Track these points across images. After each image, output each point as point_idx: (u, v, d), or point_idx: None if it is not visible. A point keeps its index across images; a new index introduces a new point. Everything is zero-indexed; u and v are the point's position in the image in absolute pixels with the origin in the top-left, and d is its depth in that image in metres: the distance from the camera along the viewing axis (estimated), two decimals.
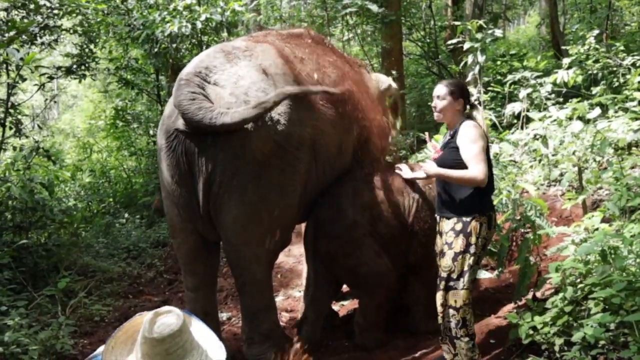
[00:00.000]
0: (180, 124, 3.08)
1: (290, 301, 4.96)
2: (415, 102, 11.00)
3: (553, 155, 4.75)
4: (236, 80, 3.19)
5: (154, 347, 1.60)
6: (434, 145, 3.18)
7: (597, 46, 6.75)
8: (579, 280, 3.04)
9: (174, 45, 7.00)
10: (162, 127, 3.28)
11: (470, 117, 3.02)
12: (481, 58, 6.13)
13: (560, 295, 2.94)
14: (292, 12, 9.83)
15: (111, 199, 9.32)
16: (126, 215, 8.23)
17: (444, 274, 2.96)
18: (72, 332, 3.98)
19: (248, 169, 3.11)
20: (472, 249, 2.91)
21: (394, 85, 4.49)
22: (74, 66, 6.88)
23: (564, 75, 5.82)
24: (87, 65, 6.97)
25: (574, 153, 4.33)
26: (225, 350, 1.93)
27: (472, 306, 2.98)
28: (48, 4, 5.85)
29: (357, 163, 3.89)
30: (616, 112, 5.01)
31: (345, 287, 4.42)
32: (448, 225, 2.97)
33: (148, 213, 8.30)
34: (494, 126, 5.60)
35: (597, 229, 3.21)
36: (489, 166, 2.94)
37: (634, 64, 6.19)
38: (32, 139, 6.57)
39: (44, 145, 6.49)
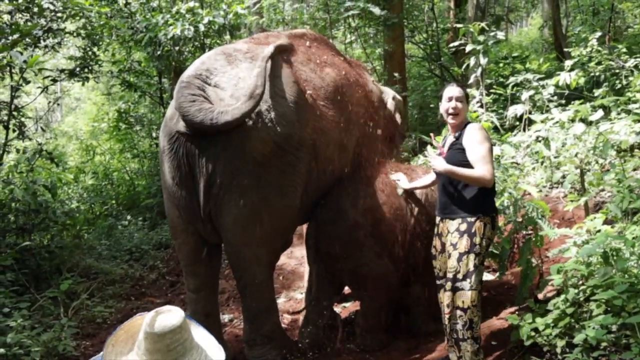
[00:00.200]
0: (181, 126, 3.10)
1: (292, 303, 4.96)
2: (417, 104, 10.98)
3: (555, 157, 4.74)
4: (236, 82, 3.20)
5: (155, 343, 1.62)
6: (439, 146, 3.18)
7: (599, 48, 6.75)
8: (580, 282, 3.03)
9: (177, 48, 7.04)
10: (164, 130, 3.30)
11: None
12: (483, 60, 6.13)
13: (562, 297, 2.93)
14: (294, 15, 9.85)
15: (114, 201, 9.34)
16: (129, 217, 8.26)
17: (449, 275, 2.96)
18: (74, 334, 4.00)
19: (248, 170, 3.12)
20: (477, 249, 2.91)
21: (398, 97, 4.48)
22: (77, 69, 6.92)
23: (566, 77, 5.82)
24: (90, 67, 7.01)
25: (576, 155, 4.32)
26: (226, 352, 1.94)
27: (480, 308, 2.97)
28: (51, 7, 5.88)
29: (359, 165, 3.90)
30: (619, 114, 5.01)
31: (347, 289, 4.42)
32: (452, 226, 2.98)
33: (150, 215, 8.33)
34: (495, 128, 5.60)
35: (599, 231, 3.21)
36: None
37: (636, 66, 6.18)
38: (35, 142, 6.60)
39: (47, 148, 6.50)
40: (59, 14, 6.09)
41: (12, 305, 3.91)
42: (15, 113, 5.95)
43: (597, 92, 5.93)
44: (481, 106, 6.19)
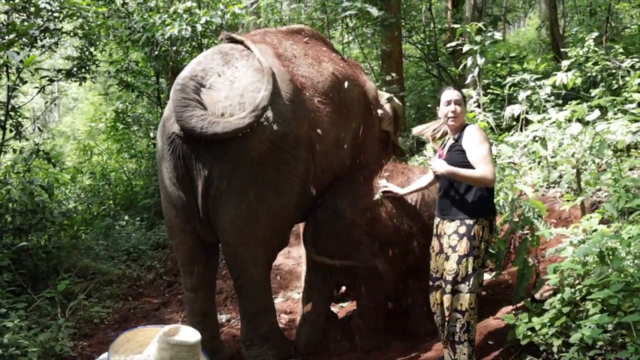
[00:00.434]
0: (177, 127, 3.10)
1: (290, 303, 4.96)
2: (414, 104, 11.00)
3: (552, 157, 4.75)
4: (232, 82, 3.20)
5: (179, 352, 1.74)
6: (438, 148, 3.18)
7: (596, 49, 6.77)
8: (577, 281, 3.04)
9: (174, 48, 7.02)
10: (161, 130, 3.30)
11: None
12: (481, 60, 6.14)
13: (559, 296, 2.94)
14: (292, 15, 9.86)
15: (111, 202, 9.33)
16: (126, 217, 8.25)
17: (449, 278, 2.94)
18: (71, 334, 3.99)
19: (244, 169, 3.12)
20: (476, 252, 2.91)
21: (397, 100, 4.46)
22: (75, 69, 6.90)
23: (563, 77, 5.83)
24: (87, 68, 6.98)
25: (572, 155, 4.33)
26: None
27: (477, 311, 2.98)
28: (48, 7, 5.86)
29: (357, 164, 3.89)
30: (615, 114, 5.02)
31: (344, 289, 4.42)
32: (450, 228, 2.97)
33: (148, 215, 8.32)
34: (490, 129, 5.61)
35: (595, 231, 3.22)
36: None
37: (633, 67, 6.20)
38: (33, 142, 6.58)
39: (44, 148, 6.49)
40: (56, 14, 6.06)
41: (9, 306, 3.90)
42: (12, 113, 5.92)
43: (593, 92, 5.95)
44: (478, 106, 6.20)
